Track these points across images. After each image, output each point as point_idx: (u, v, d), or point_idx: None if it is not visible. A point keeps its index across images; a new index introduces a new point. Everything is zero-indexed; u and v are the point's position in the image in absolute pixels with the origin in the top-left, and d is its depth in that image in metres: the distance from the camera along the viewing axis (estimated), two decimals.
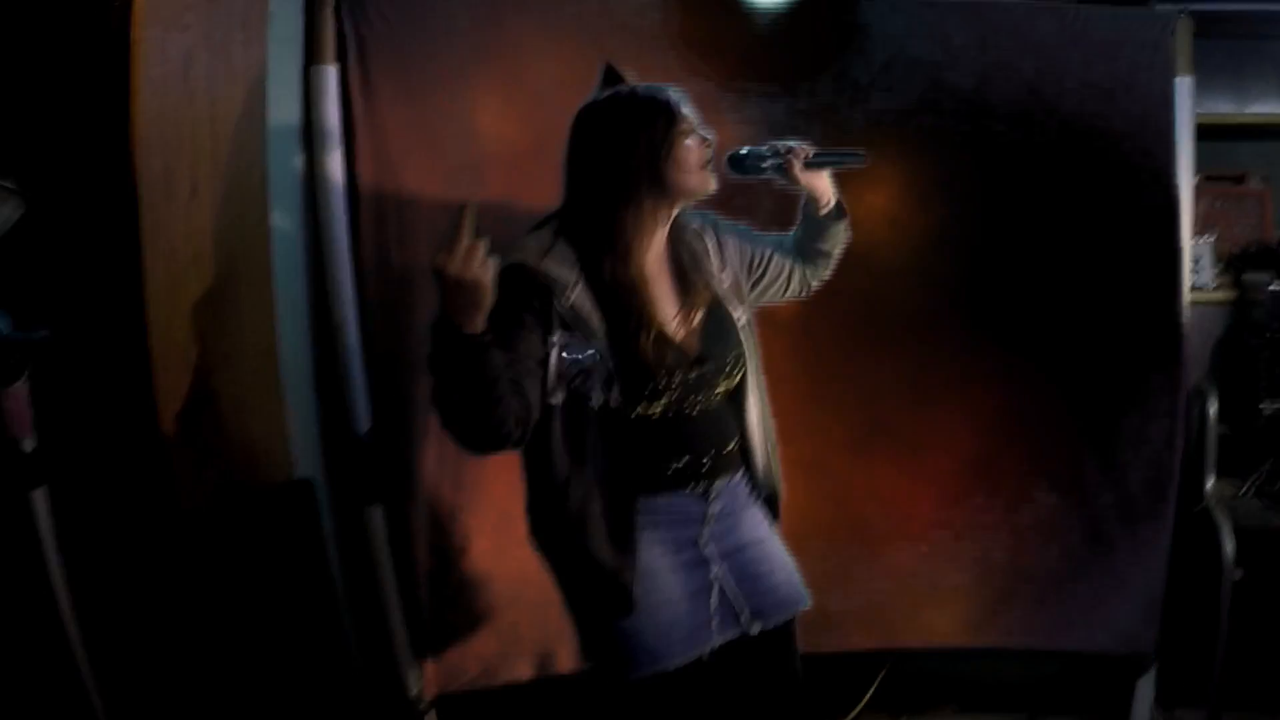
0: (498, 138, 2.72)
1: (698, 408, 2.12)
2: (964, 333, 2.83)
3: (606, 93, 2.12)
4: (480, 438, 1.95)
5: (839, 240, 2.36)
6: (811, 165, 2.22)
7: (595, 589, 2.11)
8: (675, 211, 2.14)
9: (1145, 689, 2.96)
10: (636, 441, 2.09)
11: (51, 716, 2.02)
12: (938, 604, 2.92)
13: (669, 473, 2.12)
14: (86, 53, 2.18)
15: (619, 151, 2.05)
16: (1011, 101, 2.78)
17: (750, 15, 2.77)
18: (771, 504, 2.29)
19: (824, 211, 2.29)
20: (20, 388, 1.89)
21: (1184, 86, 2.79)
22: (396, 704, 2.82)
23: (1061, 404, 2.85)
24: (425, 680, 2.82)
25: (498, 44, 2.74)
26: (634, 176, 2.05)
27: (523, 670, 2.84)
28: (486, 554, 2.78)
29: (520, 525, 2.64)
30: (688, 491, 2.15)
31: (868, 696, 3.12)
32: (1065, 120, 2.78)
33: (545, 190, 2.48)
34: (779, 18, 2.77)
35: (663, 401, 2.08)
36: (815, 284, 2.41)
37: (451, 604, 2.81)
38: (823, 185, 2.28)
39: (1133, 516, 2.85)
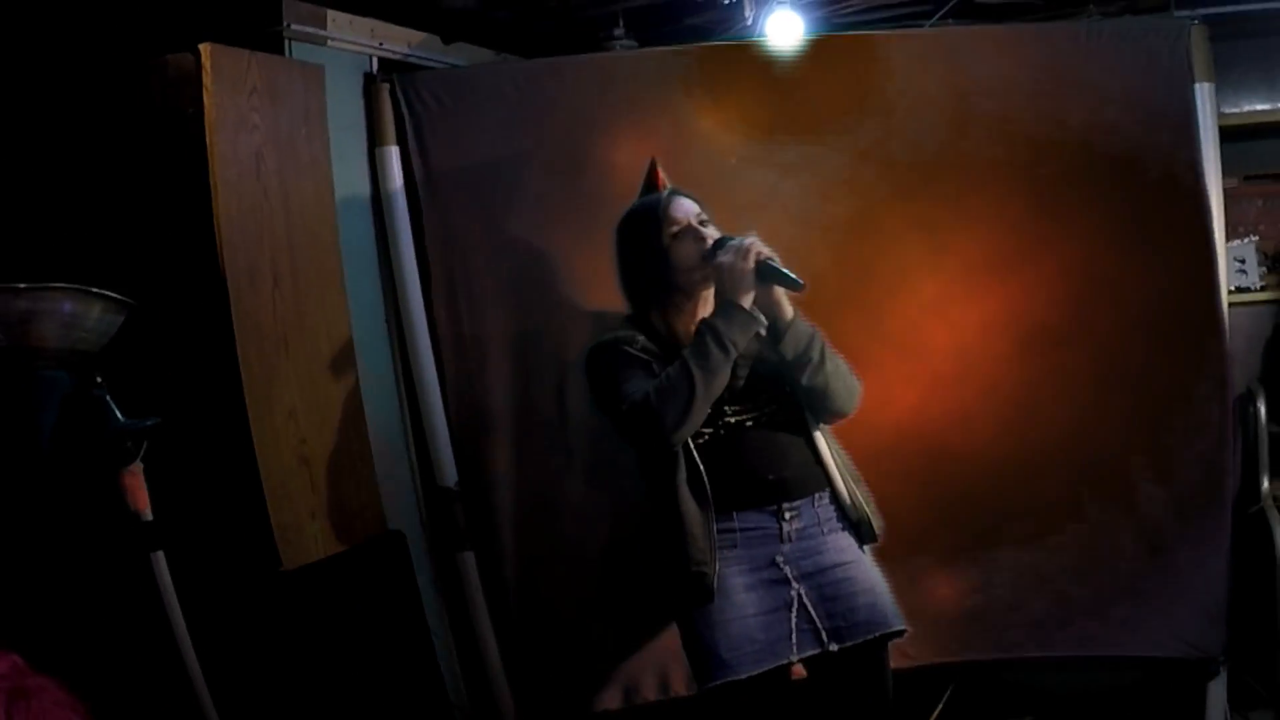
0: (551, 206, 2.91)
1: (752, 433, 2.38)
2: (1010, 350, 2.90)
3: (626, 209, 2.52)
4: (683, 430, 2.27)
5: (810, 362, 2.38)
6: (760, 274, 2.31)
7: (682, 584, 2.33)
8: (701, 289, 2.41)
9: (1218, 693, 2.95)
10: (706, 460, 2.34)
11: None
12: (996, 617, 2.95)
13: (737, 489, 2.35)
14: (168, 164, 2.45)
15: (630, 264, 2.51)
16: (1036, 120, 2.86)
17: (778, 67, 2.92)
18: (859, 530, 2.42)
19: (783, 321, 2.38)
20: (137, 467, 2.15)
21: (1204, 92, 2.84)
22: None
23: (1112, 414, 2.89)
24: (518, 712, 2.98)
25: (544, 115, 2.94)
26: (644, 280, 2.48)
27: (611, 700, 2.96)
28: (573, 591, 2.94)
29: (599, 563, 2.89)
30: (759, 508, 2.35)
31: (939, 709, 3.15)
32: (1090, 134, 2.85)
33: (597, 251, 2.72)
34: (805, 65, 2.91)
35: (710, 430, 2.35)
36: (825, 422, 2.47)
37: (543, 641, 2.97)
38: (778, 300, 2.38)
39: (1190, 520, 2.87)
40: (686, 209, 2.44)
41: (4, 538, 2.16)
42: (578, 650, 2.97)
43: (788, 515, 2.36)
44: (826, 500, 2.41)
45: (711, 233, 2.41)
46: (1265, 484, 2.93)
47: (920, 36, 2.98)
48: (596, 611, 2.94)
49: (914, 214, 2.90)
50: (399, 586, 2.89)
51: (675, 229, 2.41)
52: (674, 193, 2.51)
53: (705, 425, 2.35)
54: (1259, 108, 3.18)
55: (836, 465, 2.43)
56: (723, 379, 2.30)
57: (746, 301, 2.30)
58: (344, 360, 2.79)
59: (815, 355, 2.37)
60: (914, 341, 2.90)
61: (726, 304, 2.31)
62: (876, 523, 2.44)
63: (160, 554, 2.21)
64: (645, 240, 2.44)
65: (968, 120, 2.89)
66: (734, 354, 2.29)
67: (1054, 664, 3.07)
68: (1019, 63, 2.90)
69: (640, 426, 2.32)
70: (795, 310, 2.38)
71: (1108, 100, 2.86)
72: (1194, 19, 2.88)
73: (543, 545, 2.95)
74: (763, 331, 2.34)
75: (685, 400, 2.25)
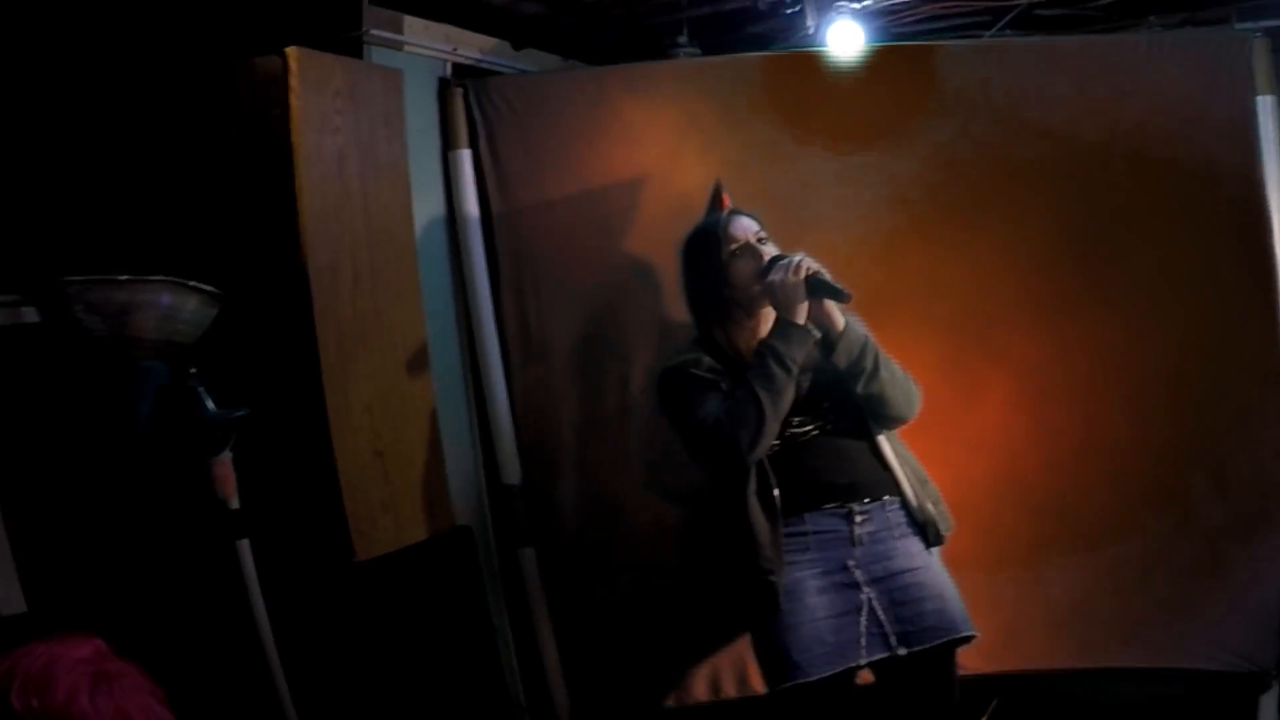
0: (617, 209, 2.97)
1: (818, 440, 2.45)
2: (1069, 360, 2.93)
3: (690, 229, 2.59)
4: (756, 450, 2.35)
5: (864, 371, 2.43)
6: (811, 288, 2.37)
7: (751, 592, 2.39)
8: (760, 305, 2.47)
9: (1269, 706, 2.95)
10: (781, 465, 2.40)
11: None
12: (1045, 628, 2.97)
13: (806, 493, 2.41)
14: (255, 163, 2.52)
15: (693, 281, 2.58)
16: (1096, 131, 2.89)
17: (839, 76, 2.97)
18: (925, 532, 2.47)
19: (835, 332, 2.43)
20: (226, 457, 2.22)
21: (1265, 105, 2.87)
22: None
23: (1171, 427, 2.91)
24: (573, 708, 3.04)
25: (610, 121, 3.00)
26: (707, 298, 2.54)
27: (666, 699, 3.00)
28: (630, 590, 2.98)
29: (659, 563, 2.93)
30: (830, 511, 2.41)
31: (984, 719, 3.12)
32: (1150, 146, 2.88)
33: (663, 258, 2.81)
34: (866, 74, 2.96)
35: (785, 434, 2.41)
36: (886, 429, 2.52)
37: (599, 640, 3.02)
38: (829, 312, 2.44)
39: (1246, 534, 2.89)
40: (745, 227, 2.51)
41: (97, 523, 2.24)
42: (634, 650, 3.01)
43: (858, 519, 2.41)
44: (896, 505, 2.46)
45: (769, 250, 2.47)
46: None
47: (980, 47, 3.02)
48: (653, 613, 2.98)
49: (974, 225, 2.94)
50: (465, 581, 2.95)
51: (734, 246, 2.48)
52: (734, 212, 2.59)
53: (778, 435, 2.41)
54: None
55: (902, 468, 2.48)
56: (789, 397, 2.37)
57: (801, 317, 2.38)
58: (418, 358, 2.85)
59: (869, 364, 2.42)
60: (975, 340, 2.93)
61: (782, 323, 2.38)
62: (944, 524, 2.49)
63: (245, 542, 2.27)
64: (706, 258, 2.52)
65: (1027, 131, 2.93)
66: (795, 371, 2.36)
67: (1100, 675, 3.07)
68: (1078, 74, 2.94)
69: (716, 450, 2.40)
70: (847, 320, 2.44)
71: (1168, 112, 2.88)
72: (1256, 31, 2.91)
73: (602, 545, 3.00)
74: (817, 343, 2.41)
75: (756, 423, 2.33)
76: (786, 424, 2.42)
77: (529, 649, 3.07)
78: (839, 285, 2.36)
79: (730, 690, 2.97)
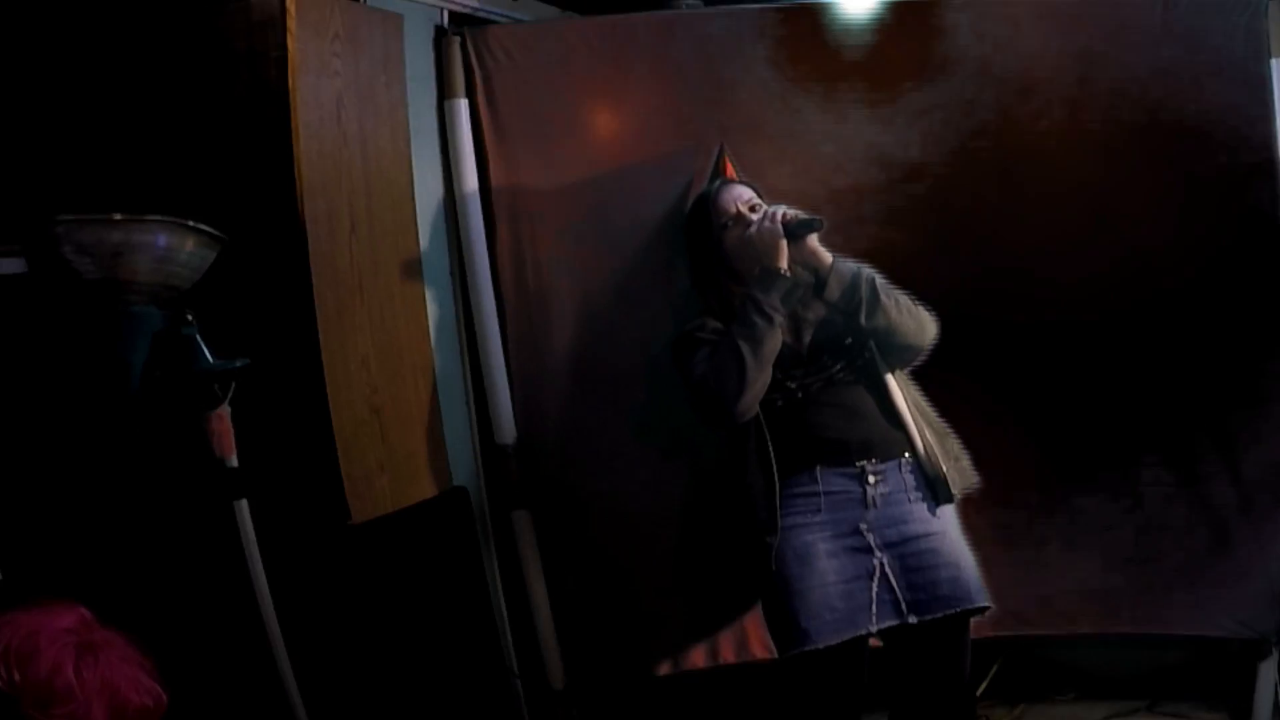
0: (616, 161, 2.89)
1: (826, 395, 2.40)
2: (1078, 330, 2.89)
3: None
4: (742, 404, 2.32)
5: (862, 302, 2.38)
6: (789, 233, 2.36)
7: (748, 553, 2.37)
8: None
9: (1268, 673, 2.95)
10: (781, 427, 2.36)
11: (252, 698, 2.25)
12: (1052, 592, 2.95)
13: (817, 451, 2.36)
14: (251, 105, 2.41)
15: (692, 254, 2.62)
16: (1106, 93, 2.85)
17: (846, 29, 2.89)
18: (935, 488, 2.40)
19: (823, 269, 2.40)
20: (224, 411, 2.11)
21: (1278, 67, 2.82)
22: (544, 696, 2.99)
23: (1174, 391, 2.89)
24: (568, 674, 2.98)
25: (611, 73, 2.92)
26: (705, 270, 2.56)
27: (662, 666, 2.95)
28: (627, 554, 2.92)
29: (656, 526, 2.88)
30: (842, 471, 2.35)
31: (985, 685, 3.15)
32: (1161, 109, 2.83)
33: (664, 210, 2.80)
34: (874, 27, 2.88)
35: (790, 391, 2.38)
36: (903, 364, 2.49)
37: (594, 601, 2.96)
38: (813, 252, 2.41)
39: (1250, 500, 2.87)
40: (734, 196, 2.49)
41: (84, 483, 2.13)
42: (629, 616, 2.95)
43: (871, 479, 2.35)
44: (912, 465, 2.40)
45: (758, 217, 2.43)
46: None
47: (992, 5, 2.93)
48: (650, 578, 2.93)
49: (977, 184, 2.89)
50: (461, 544, 2.86)
51: (724, 219, 2.48)
52: (725, 183, 2.58)
53: (774, 391, 2.37)
54: None
55: (916, 420, 2.41)
56: (771, 345, 2.32)
57: (780, 262, 2.35)
58: (415, 311, 2.76)
59: (865, 293, 2.37)
60: (983, 308, 2.86)
61: (761, 270, 2.35)
62: (963, 481, 2.44)
63: (244, 502, 2.18)
64: (700, 232, 2.54)
65: (1039, 87, 2.87)
66: (777, 318, 2.32)
67: (1099, 642, 3.08)
68: (1090, 34, 2.87)
69: (703, 403, 2.37)
70: (835, 256, 2.40)
71: (1180, 74, 2.83)
72: None
73: (598, 508, 2.93)
74: (806, 286, 2.40)
75: (738, 373, 2.29)
76: (789, 377, 2.38)
77: (522, 614, 2.99)
78: (811, 216, 2.36)
79: (729, 657, 2.93)
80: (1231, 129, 2.83)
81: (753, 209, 2.46)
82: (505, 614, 3.01)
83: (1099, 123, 2.87)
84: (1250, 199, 2.85)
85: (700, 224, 2.55)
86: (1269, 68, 2.83)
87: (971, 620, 2.38)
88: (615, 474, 2.91)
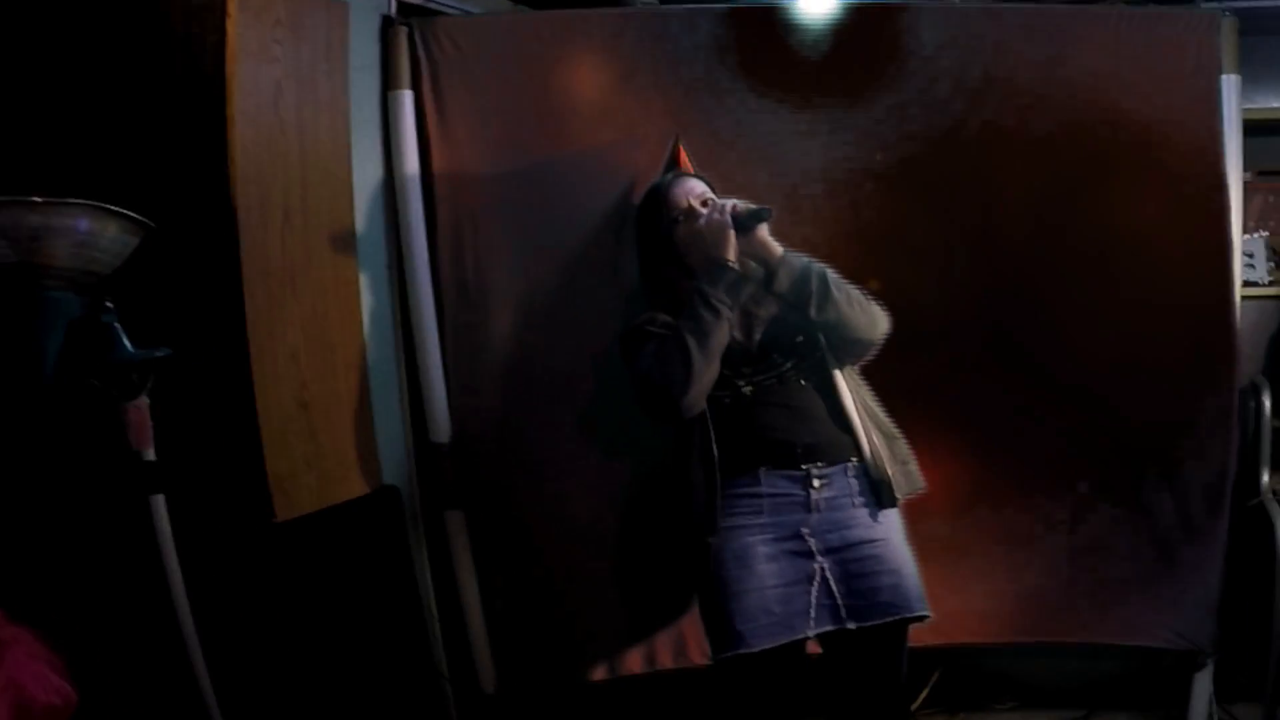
0: (565, 161, 2.84)
1: (775, 395, 2.35)
2: (1019, 334, 2.88)
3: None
4: (688, 399, 2.26)
5: (811, 295, 2.35)
6: (737, 224, 2.33)
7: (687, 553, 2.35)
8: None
9: (1203, 684, 2.97)
10: (728, 425, 2.32)
11: (166, 699, 2.16)
12: (995, 602, 2.95)
13: (762, 452, 2.32)
14: (186, 90, 2.34)
15: (641, 248, 2.56)
16: (1059, 103, 2.84)
17: (801, 33, 2.86)
18: (878, 491, 2.36)
19: (773, 260, 2.38)
20: (143, 402, 2.04)
21: (1230, 84, 2.83)
22: (474, 700, 2.94)
23: (1115, 402, 2.89)
24: (500, 679, 2.93)
25: (562, 69, 2.86)
26: (654, 264, 2.51)
27: (596, 671, 2.92)
28: (563, 556, 2.88)
29: (594, 529, 2.84)
30: (787, 474, 2.31)
31: (925, 693, 3.17)
32: (1113, 121, 2.83)
33: (611, 207, 2.77)
34: (830, 32, 2.85)
35: (738, 389, 2.33)
36: (853, 359, 2.45)
37: (528, 604, 2.91)
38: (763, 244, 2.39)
39: (1189, 512, 2.88)
40: (686, 190, 2.44)
41: None
42: (564, 619, 2.91)
43: (816, 483, 2.31)
44: (859, 470, 2.36)
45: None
46: (1265, 478, 2.94)
47: (949, 11, 2.92)
48: (586, 580, 2.89)
49: (933, 187, 2.88)
50: (390, 545, 2.80)
51: (675, 213, 2.42)
52: (678, 175, 2.53)
53: (721, 389, 2.33)
54: (1275, 105, 3.18)
55: (864, 422, 2.38)
56: (719, 339, 2.28)
57: (728, 254, 2.31)
58: (349, 304, 2.70)
59: (815, 286, 2.33)
60: (921, 317, 2.79)
61: (709, 263, 2.31)
62: (909, 485, 2.41)
63: (160, 498, 2.10)
64: (650, 226, 2.48)
65: (993, 96, 2.86)
66: (724, 311, 2.28)
67: (1037, 652, 3.10)
68: (1046, 42, 2.87)
69: (648, 397, 2.32)
70: (786, 249, 2.37)
71: (1134, 86, 2.83)
72: (1224, 10, 2.86)
73: (535, 508, 2.88)
74: (756, 280, 2.37)
75: (683, 367, 2.24)
76: (738, 375, 2.34)
77: (454, 616, 2.93)
78: (759, 207, 2.33)
79: (666, 662, 2.90)
80: (1182, 142, 2.83)
81: (704, 203, 2.42)
82: (436, 616, 2.95)
83: (1049, 129, 2.86)
84: (1197, 216, 2.85)
85: (651, 217, 2.49)
86: (1220, 83, 2.83)
87: (912, 628, 2.35)
88: (553, 475, 2.86)
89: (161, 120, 2.34)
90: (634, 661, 2.92)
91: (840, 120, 2.87)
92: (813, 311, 2.33)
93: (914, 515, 2.65)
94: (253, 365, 2.35)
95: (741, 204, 2.36)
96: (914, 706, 3.16)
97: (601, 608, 2.90)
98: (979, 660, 3.21)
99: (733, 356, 2.35)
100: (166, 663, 2.14)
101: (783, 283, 2.35)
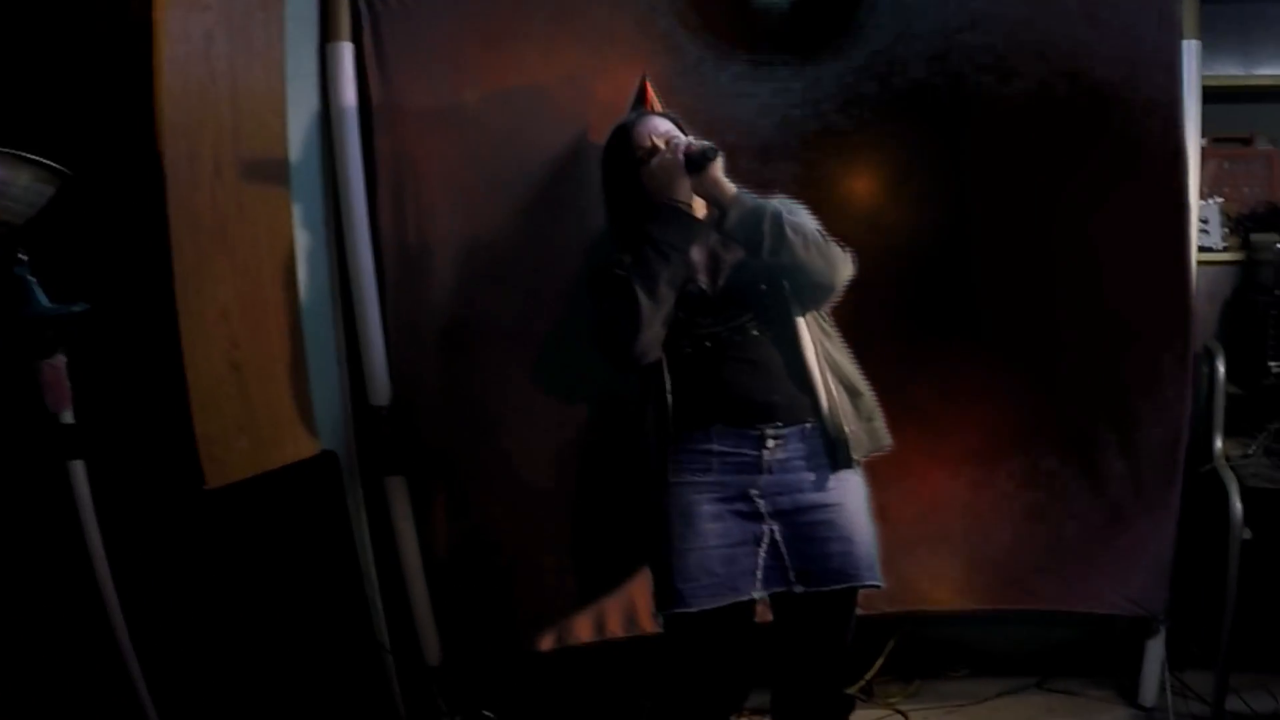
0: (512, 115, 2.75)
1: (735, 349, 2.26)
2: (973, 298, 2.85)
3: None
4: (637, 345, 2.19)
5: (764, 237, 2.22)
6: (689, 164, 2.23)
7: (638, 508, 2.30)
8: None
9: (1155, 651, 2.98)
10: (684, 377, 2.25)
11: (89, 677, 2.06)
12: (950, 568, 2.93)
13: (716, 408, 2.24)
14: (112, 35, 2.20)
15: (606, 186, 2.41)
16: (1021, 64, 2.78)
17: None
18: (835, 451, 2.27)
19: (725, 200, 2.27)
20: (58, 360, 1.93)
21: (1191, 49, 2.79)
22: (417, 672, 2.87)
23: (1071, 367, 2.86)
24: (444, 650, 2.88)
25: (509, 21, 2.77)
26: (619, 203, 2.37)
27: (544, 640, 2.87)
28: (508, 523, 2.81)
29: (541, 493, 2.78)
30: (740, 431, 2.24)
31: (880, 661, 3.16)
32: (1073, 83, 2.78)
33: (560, 164, 2.68)
34: None
35: (699, 340, 2.25)
36: (816, 304, 2.34)
37: (473, 574, 2.85)
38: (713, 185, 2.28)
39: (1143, 478, 2.86)
40: (651, 129, 2.33)
41: None
42: (510, 588, 2.85)
43: (770, 443, 2.24)
44: (818, 431, 2.28)
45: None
46: (1218, 443, 2.92)
47: None
48: (532, 547, 2.83)
49: (894, 146, 2.82)
50: (328, 512, 2.71)
51: (639, 153, 2.31)
52: (644, 114, 2.41)
53: (682, 338, 2.25)
54: (1232, 72, 3.16)
55: (825, 377, 2.28)
56: (667, 285, 2.19)
57: (680, 195, 2.21)
58: (284, 261, 2.59)
59: (766, 226, 2.20)
60: (877, 280, 2.71)
61: (658, 205, 2.22)
62: (871, 442, 2.33)
63: (79, 463, 1.98)
64: (616, 164, 2.36)
65: (956, 57, 2.80)
66: (674, 256, 2.19)
67: (991, 619, 3.08)
68: (1012, 4, 2.80)
69: (601, 343, 2.24)
70: (741, 189, 2.26)
71: (1096, 47, 2.78)
72: None
73: (478, 473, 2.81)
74: (711, 222, 2.28)
75: (632, 312, 2.16)
76: (698, 325, 2.26)
77: (395, 586, 2.86)
78: (705, 145, 2.22)
79: (616, 630, 2.86)
80: (1143, 106, 2.78)
81: (669, 142, 2.30)
82: (377, 586, 2.87)
83: (1010, 88, 2.80)
84: (1155, 175, 2.80)
85: (616, 156, 2.37)
86: (1181, 48, 2.79)
87: (866, 596, 2.30)
88: (498, 438, 2.79)
89: (83, 66, 2.20)
90: (583, 630, 2.88)
91: (799, 78, 2.80)
92: (765, 254, 2.21)
93: (868, 480, 2.63)
94: (181, 323, 2.22)
95: (696, 142, 2.25)
96: (870, 675, 3.16)
97: (549, 575, 2.85)
98: (934, 628, 3.20)
99: (693, 304, 2.26)
100: (88, 638, 2.04)
101: (733, 223, 2.24)
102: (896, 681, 3.21)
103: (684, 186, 2.23)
